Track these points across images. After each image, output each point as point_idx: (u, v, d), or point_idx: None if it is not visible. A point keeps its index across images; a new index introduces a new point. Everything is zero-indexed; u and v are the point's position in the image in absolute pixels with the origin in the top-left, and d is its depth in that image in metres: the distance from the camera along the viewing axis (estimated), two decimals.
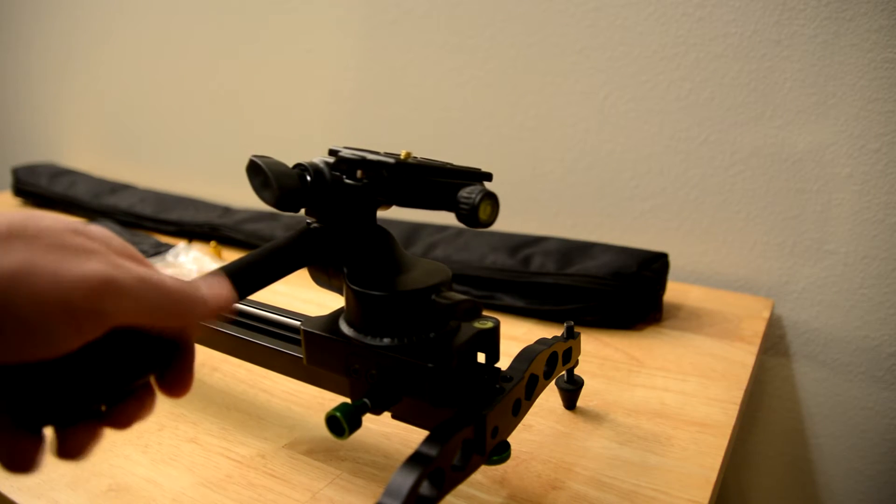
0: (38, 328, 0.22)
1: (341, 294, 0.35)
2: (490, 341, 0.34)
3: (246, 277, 0.31)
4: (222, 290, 0.28)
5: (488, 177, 0.35)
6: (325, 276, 0.36)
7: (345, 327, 0.34)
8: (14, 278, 0.22)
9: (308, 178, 0.33)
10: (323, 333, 0.34)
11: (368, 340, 0.32)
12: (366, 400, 0.31)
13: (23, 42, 1.39)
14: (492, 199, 0.31)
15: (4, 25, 1.41)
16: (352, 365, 0.33)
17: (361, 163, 0.32)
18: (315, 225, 0.34)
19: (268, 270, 0.31)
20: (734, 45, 0.66)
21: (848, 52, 0.61)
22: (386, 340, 0.32)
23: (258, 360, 0.43)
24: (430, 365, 0.31)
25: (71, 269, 0.23)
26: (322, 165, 0.33)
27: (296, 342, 0.41)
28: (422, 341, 0.32)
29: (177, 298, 0.25)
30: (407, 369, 0.31)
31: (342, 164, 0.33)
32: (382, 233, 0.35)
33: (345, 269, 0.34)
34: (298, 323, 0.42)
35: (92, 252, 0.24)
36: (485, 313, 0.34)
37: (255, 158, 0.32)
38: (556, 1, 0.74)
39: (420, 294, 0.32)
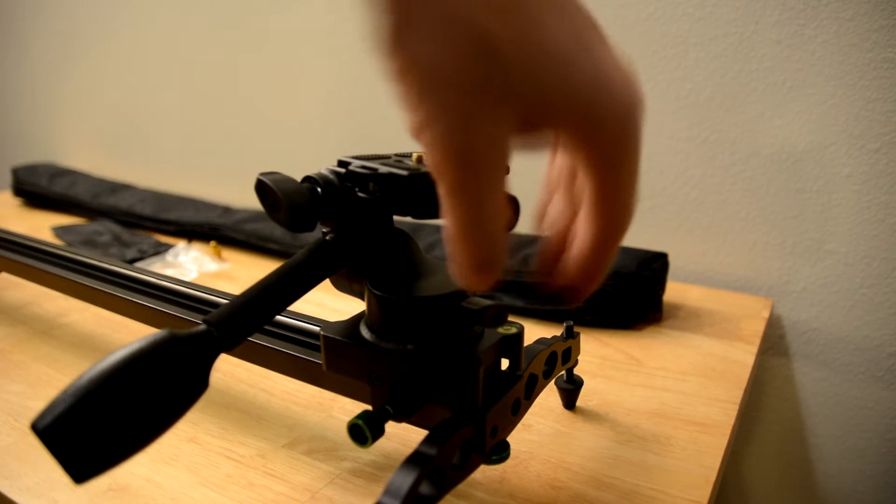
0: None
1: (362, 299, 0.34)
2: (514, 347, 0.34)
3: (270, 301, 0.30)
4: None
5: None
6: (346, 282, 0.35)
7: (366, 333, 0.33)
8: None
9: (318, 190, 0.31)
10: (344, 339, 0.33)
11: (391, 347, 0.32)
12: (388, 407, 0.31)
13: (23, 42, 1.39)
14: (512, 202, 0.30)
15: (4, 25, 1.41)
16: (374, 372, 0.32)
17: (372, 177, 0.31)
18: (330, 236, 0.33)
19: (290, 292, 0.31)
20: (734, 45, 0.66)
21: (848, 51, 0.61)
22: (409, 346, 0.32)
23: (272, 365, 0.42)
24: (455, 372, 0.30)
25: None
26: (332, 177, 0.32)
27: (307, 346, 0.41)
28: (446, 347, 0.32)
29: None
30: (431, 376, 0.31)
31: (353, 177, 0.32)
32: (401, 235, 0.35)
33: (366, 275, 0.33)
34: (314, 327, 0.41)
35: None
36: None
37: (262, 177, 0.30)
38: None
39: (446, 299, 0.31)
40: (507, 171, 0.24)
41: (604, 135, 0.23)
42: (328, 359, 0.34)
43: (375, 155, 0.34)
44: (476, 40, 0.19)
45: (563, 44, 0.21)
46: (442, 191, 0.22)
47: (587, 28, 0.22)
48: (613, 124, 0.23)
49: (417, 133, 0.21)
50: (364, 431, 0.30)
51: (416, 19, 0.19)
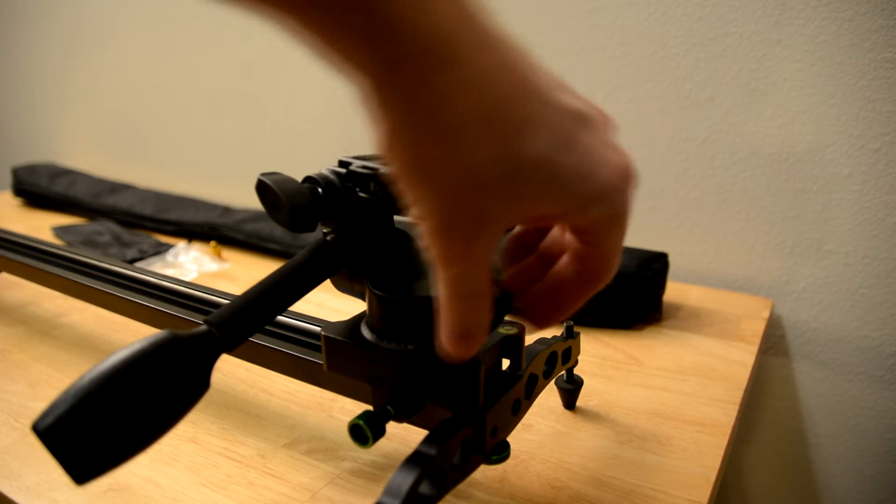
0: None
1: (363, 299, 0.34)
2: (515, 347, 0.34)
3: (271, 301, 0.30)
4: None
5: None
6: (347, 282, 0.35)
7: (367, 333, 0.33)
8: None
9: (319, 190, 0.31)
10: (345, 339, 0.33)
11: (392, 347, 0.32)
12: (389, 407, 0.31)
13: (23, 42, 1.39)
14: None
15: (4, 26, 1.41)
16: (374, 372, 0.32)
17: (374, 177, 0.32)
18: (331, 236, 0.33)
19: (291, 292, 0.31)
20: (734, 45, 0.66)
21: (848, 52, 0.61)
22: (410, 347, 0.32)
23: (272, 365, 0.42)
24: (456, 372, 0.30)
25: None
26: (332, 177, 0.32)
27: (307, 346, 0.41)
28: None
29: None
30: (432, 376, 0.31)
31: (354, 177, 0.32)
32: (402, 235, 0.35)
33: (367, 275, 0.33)
34: (314, 327, 0.41)
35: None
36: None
37: (262, 178, 0.30)
38: (556, 1, 0.74)
39: None
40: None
41: (592, 217, 0.25)
42: (329, 359, 0.34)
43: (376, 155, 0.34)
44: (467, 178, 0.22)
45: (543, 153, 0.23)
46: (433, 260, 0.24)
47: (569, 125, 0.24)
48: (600, 209, 0.25)
49: (416, 219, 0.24)
50: (365, 431, 0.30)
51: (427, 157, 0.22)
